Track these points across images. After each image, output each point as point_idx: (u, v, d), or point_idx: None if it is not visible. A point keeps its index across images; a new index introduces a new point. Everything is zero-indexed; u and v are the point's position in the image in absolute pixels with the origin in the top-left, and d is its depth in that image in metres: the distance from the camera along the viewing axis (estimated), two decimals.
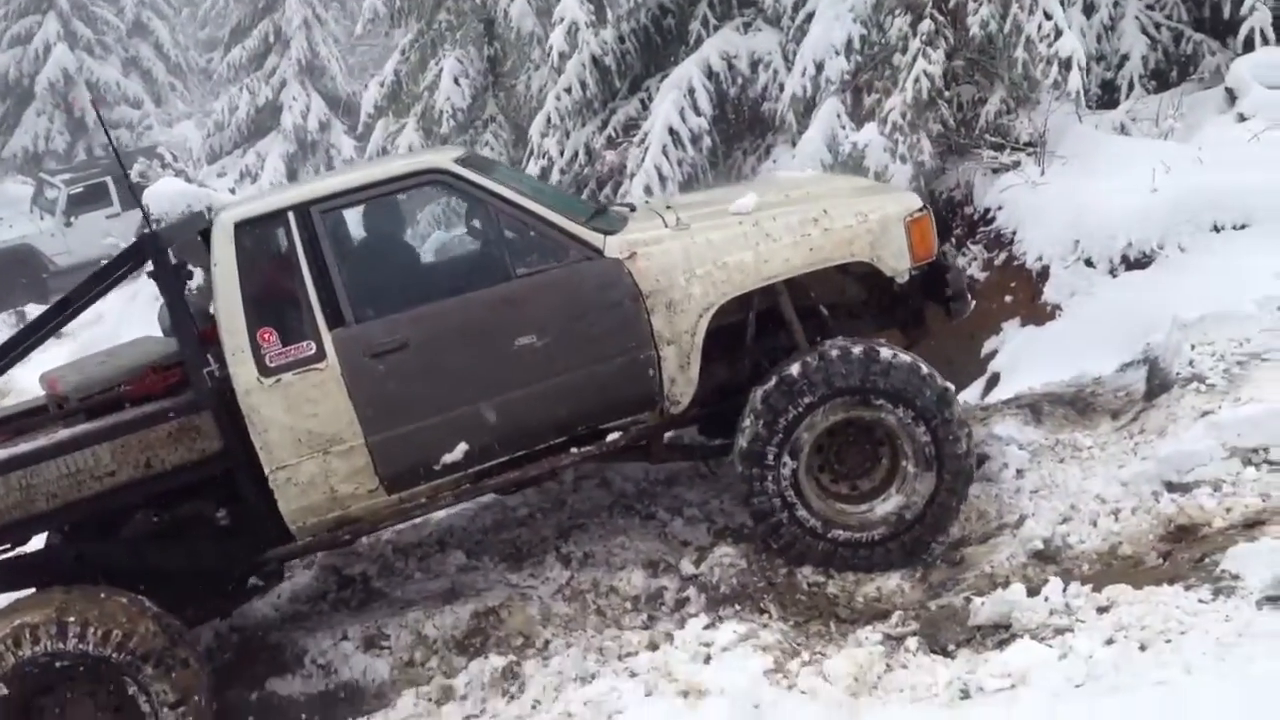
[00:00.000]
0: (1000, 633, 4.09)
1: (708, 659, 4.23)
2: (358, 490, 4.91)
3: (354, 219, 5.44)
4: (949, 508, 4.95)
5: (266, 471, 4.84)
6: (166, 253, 4.98)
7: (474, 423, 4.91)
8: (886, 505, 4.99)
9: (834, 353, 4.93)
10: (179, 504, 5.08)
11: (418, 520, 6.76)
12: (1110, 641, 3.69)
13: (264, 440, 4.81)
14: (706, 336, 5.05)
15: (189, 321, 4.91)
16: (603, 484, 6.28)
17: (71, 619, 4.50)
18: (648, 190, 10.59)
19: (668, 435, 5.55)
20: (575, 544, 5.73)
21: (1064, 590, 4.17)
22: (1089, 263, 7.56)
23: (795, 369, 4.93)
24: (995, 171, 8.69)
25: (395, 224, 5.74)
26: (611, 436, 5.11)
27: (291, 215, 4.88)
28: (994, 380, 7.58)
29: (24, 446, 4.82)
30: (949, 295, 5.51)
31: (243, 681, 5.33)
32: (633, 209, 5.80)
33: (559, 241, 4.95)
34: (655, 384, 5.00)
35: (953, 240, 8.82)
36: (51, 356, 7.85)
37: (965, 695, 3.62)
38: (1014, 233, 8.32)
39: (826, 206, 5.12)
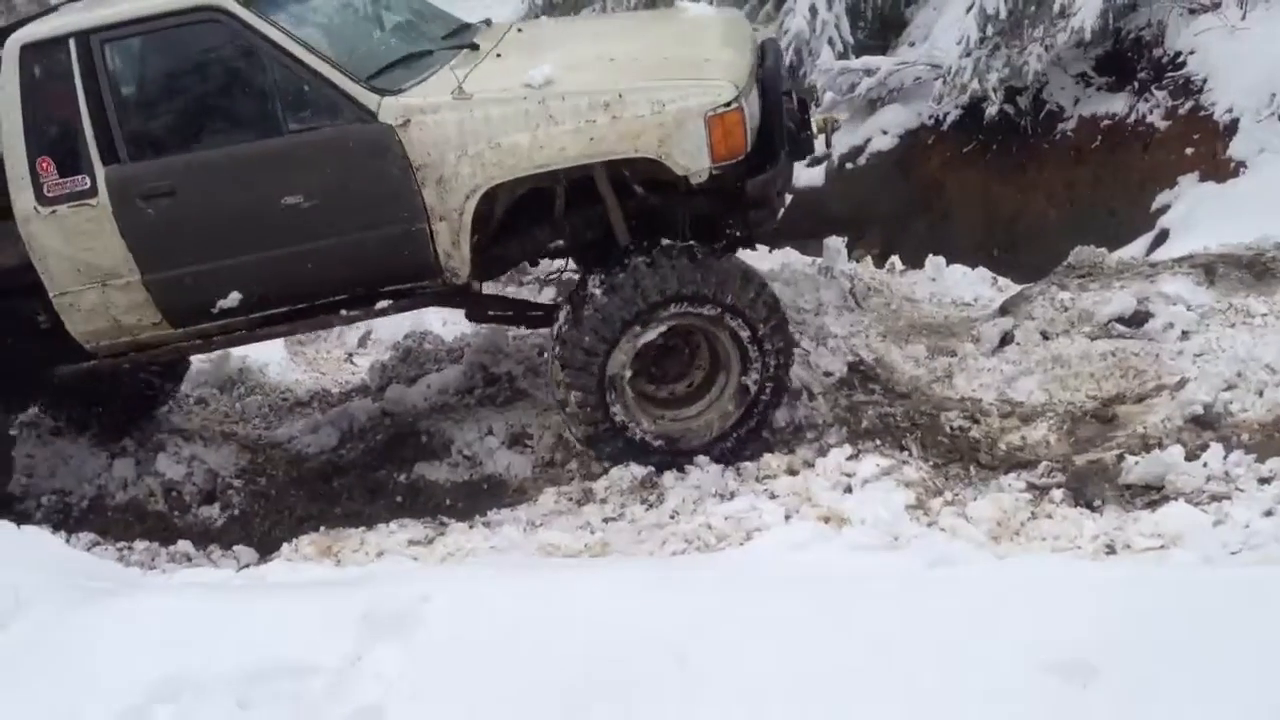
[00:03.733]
0: (1151, 494, 4.03)
1: (849, 489, 4.28)
2: (141, 321, 4.92)
3: (145, 53, 5.06)
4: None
5: (50, 295, 4.86)
6: None
7: (244, 274, 4.82)
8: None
9: (597, 291, 4.75)
10: (8, 300, 5.13)
11: None
12: (1270, 513, 3.61)
13: (44, 266, 4.83)
14: (528, 199, 4.93)
15: None
16: None
17: None
18: None
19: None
20: None
21: (1225, 457, 4.07)
22: None
23: (562, 340, 4.81)
24: (1192, 12, 8.12)
25: (179, 61, 5.18)
26: (381, 305, 4.97)
27: (73, 43, 4.71)
28: (1163, 236, 7.28)
29: None
30: (747, 201, 4.92)
31: (393, 463, 5.62)
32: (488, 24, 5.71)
33: (333, 100, 4.65)
34: (430, 255, 4.78)
35: (1135, 85, 8.34)
36: None
37: (1111, 550, 3.60)
38: (1204, 80, 7.83)
39: (625, 89, 4.59)
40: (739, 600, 3.10)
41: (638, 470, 4.94)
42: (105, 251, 4.77)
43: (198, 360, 7.05)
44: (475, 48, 5.19)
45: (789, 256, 6.93)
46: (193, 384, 6.96)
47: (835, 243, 6.77)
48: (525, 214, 5.10)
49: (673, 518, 4.45)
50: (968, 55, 8.81)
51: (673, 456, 4.90)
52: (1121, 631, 2.64)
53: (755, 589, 3.17)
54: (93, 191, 4.72)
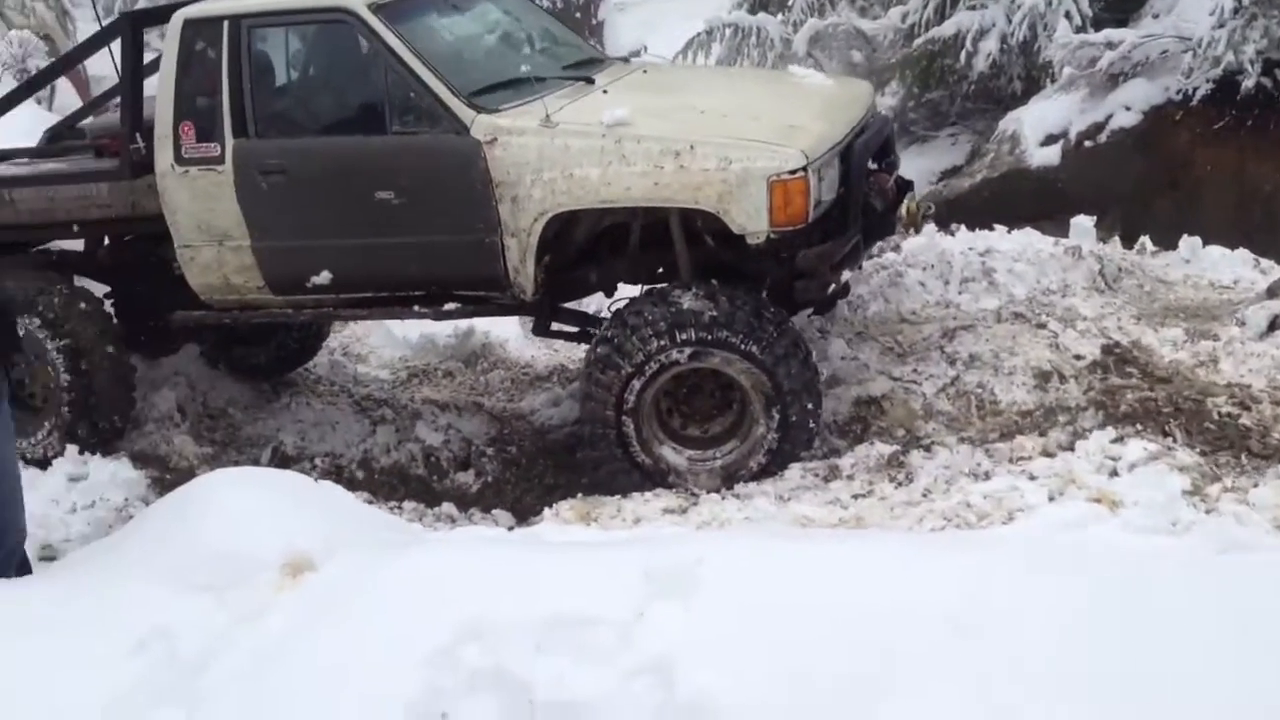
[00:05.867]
0: None
1: (1114, 472, 4.16)
2: (248, 283, 5.37)
3: (283, 42, 5.66)
4: None
5: (176, 246, 5.39)
6: (139, 33, 5.63)
7: (335, 255, 5.21)
8: None
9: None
10: (159, 246, 5.65)
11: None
12: None
13: (173, 219, 5.35)
14: (616, 230, 5.16)
15: (135, 101, 5.53)
16: (991, 287, 6.15)
17: None
18: None
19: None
20: (960, 345, 5.67)
21: None
22: None
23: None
24: None
25: (310, 53, 5.79)
26: (449, 306, 5.26)
27: (226, 24, 5.18)
28: None
29: (46, 166, 5.96)
30: (795, 269, 4.94)
31: None
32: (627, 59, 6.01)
33: (434, 109, 4.95)
34: (500, 268, 5.03)
35: None
36: None
37: None
38: None
39: (697, 141, 4.70)
40: (1015, 574, 3.06)
41: (883, 448, 4.94)
42: (224, 214, 5.26)
43: (444, 335, 7.42)
44: (591, 82, 5.43)
45: (1029, 237, 6.73)
46: (440, 357, 7.33)
47: (1083, 222, 6.57)
48: (609, 244, 5.35)
49: (925, 496, 4.42)
50: (1220, 26, 8.33)
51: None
52: None
53: (1031, 564, 3.13)
54: (220, 159, 5.22)
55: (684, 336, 4.79)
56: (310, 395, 6.73)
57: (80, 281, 5.99)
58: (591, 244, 5.37)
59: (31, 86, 6.54)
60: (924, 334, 5.94)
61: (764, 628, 2.98)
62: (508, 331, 7.57)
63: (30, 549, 4.37)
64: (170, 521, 3.76)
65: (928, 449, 4.92)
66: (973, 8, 10.99)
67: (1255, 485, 3.97)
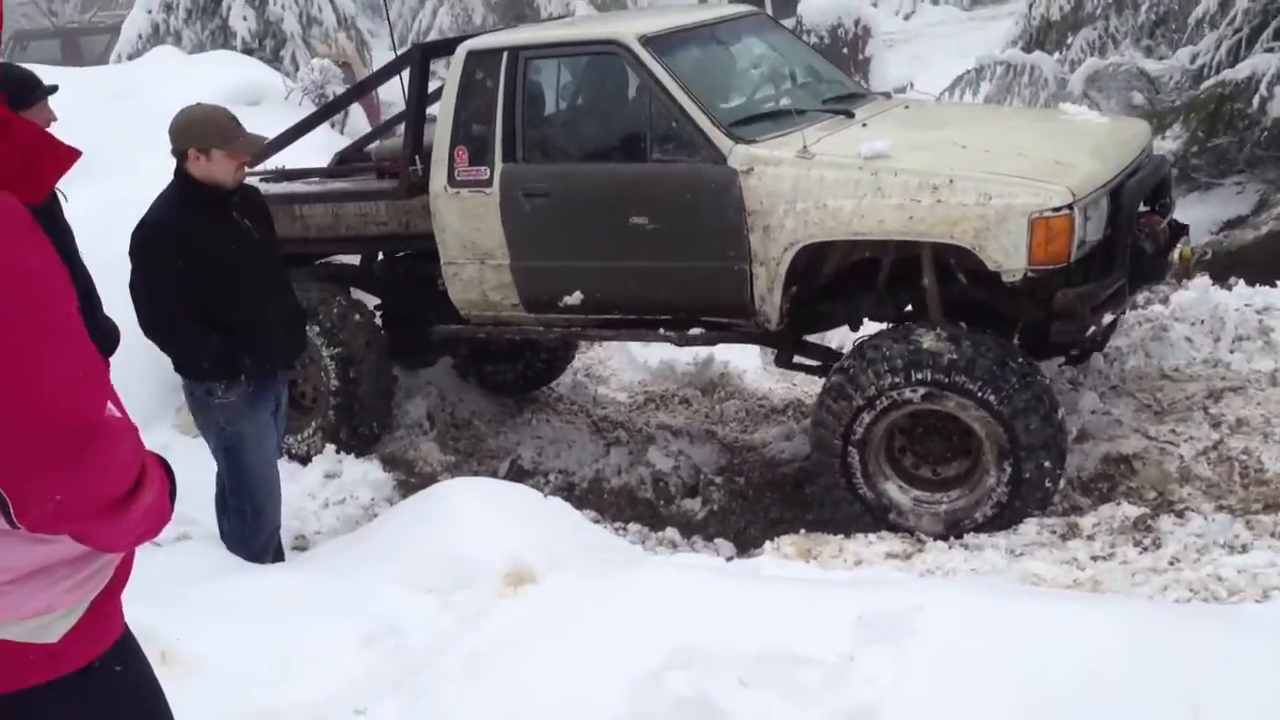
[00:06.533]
0: None
1: None
2: (504, 301, 5.58)
3: (554, 73, 5.87)
4: None
5: (442, 262, 5.65)
6: (427, 63, 5.93)
7: (588, 276, 5.34)
8: None
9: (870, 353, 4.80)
10: (426, 263, 5.92)
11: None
12: None
13: (442, 237, 5.60)
14: (863, 264, 5.13)
15: (418, 127, 5.76)
16: (1267, 347, 5.70)
17: None
18: None
19: None
20: (1227, 407, 5.29)
21: None
22: None
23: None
24: None
25: (579, 84, 5.98)
26: (694, 331, 5.30)
27: (505, 55, 5.38)
28: None
29: (333, 185, 6.29)
30: (1053, 310, 4.71)
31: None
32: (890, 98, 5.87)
33: (694, 139, 5.02)
34: (748, 297, 5.04)
35: None
36: None
37: None
38: None
39: (957, 176, 4.55)
40: (1263, 657, 2.84)
41: (1130, 510, 4.66)
42: (487, 234, 5.48)
43: (684, 362, 7.53)
44: (850, 115, 5.36)
45: None
46: (678, 384, 7.44)
47: None
48: (858, 278, 5.28)
49: (1173, 564, 4.13)
50: None
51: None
52: None
53: None
54: (489, 182, 5.43)
55: (919, 376, 4.66)
56: (551, 413, 6.97)
57: (354, 293, 6.42)
58: (840, 277, 5.34)
59: (328, 111, 7.05)
60: (1187, 393, 5.57)
61: (980, 686, 2.88)
62: (746, 362, 7.60)
63: (285, 538, 4.72)
64: (409, 524, 4.00)
65: (1180, 514, 4.61)
66: (1270, 50, 10.25)
67: None
